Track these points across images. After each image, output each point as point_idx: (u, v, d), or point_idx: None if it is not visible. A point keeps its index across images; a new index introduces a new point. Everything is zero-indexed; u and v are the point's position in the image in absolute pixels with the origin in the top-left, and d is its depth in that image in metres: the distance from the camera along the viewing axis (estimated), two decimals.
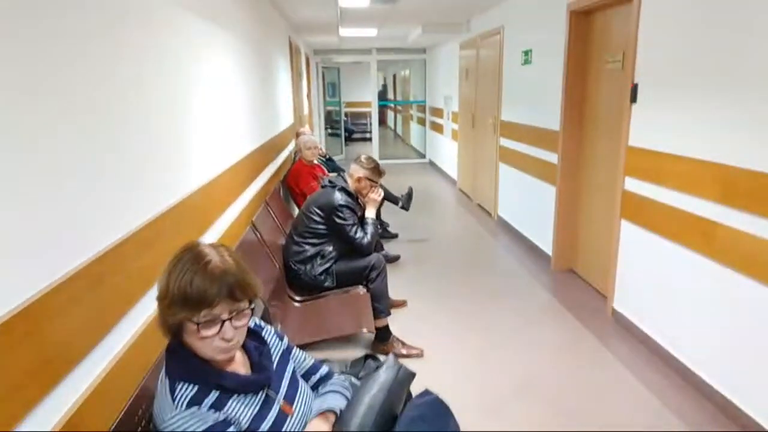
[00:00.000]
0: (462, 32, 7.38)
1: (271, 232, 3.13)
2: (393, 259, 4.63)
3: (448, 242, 5.29)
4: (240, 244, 2.52)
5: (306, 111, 8.23)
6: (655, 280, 2.96)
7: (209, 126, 2.46)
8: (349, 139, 14.53)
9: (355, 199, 3.14)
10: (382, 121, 20.69)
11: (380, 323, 3.06)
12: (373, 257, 3.02)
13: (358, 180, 3.11)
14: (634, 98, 3.07)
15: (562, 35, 4.02)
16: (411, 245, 5.18)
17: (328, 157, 5.63)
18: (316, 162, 4.61)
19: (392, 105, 18.84)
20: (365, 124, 15.56)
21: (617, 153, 3.30)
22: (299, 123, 6.72)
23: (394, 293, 3.85)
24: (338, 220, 2.96)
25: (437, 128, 9.78)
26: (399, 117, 16.66)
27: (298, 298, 2.95)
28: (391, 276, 4.40)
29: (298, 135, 5.44)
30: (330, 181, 3.09)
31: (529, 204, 5.07)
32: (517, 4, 5.14)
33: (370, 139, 11.66)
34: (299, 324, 2.70)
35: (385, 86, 19.63)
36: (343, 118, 11.70)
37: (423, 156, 11.13)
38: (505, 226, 5.66)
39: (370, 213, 3.13)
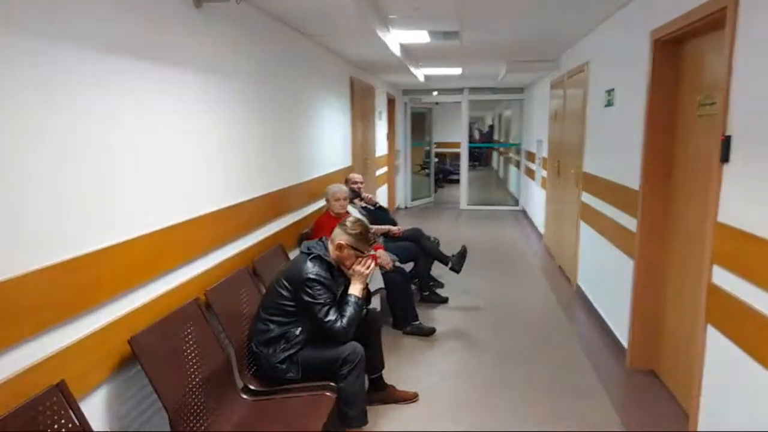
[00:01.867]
0: (552, 69, 6.56)
1: (241, 304, 2.63)
2: (427, 332, 3.91)
3: (507, 315, 4.42)
4: (166, 318, 2.05)
5: (380, 152, 7.83)
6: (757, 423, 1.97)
7: (138, 177, 2.05)
8: (444, 180, 13.92)
9: (336, 271, 2.54)
10: (487, 163, 19.86)
11: None
12: (347, 348, 2.38)
13: (339, 247, 2.52)
14: (725, 156, 2.16)
15: (644, 71, 3.15)
16: (458, 314, 4.40)
17: (377, 206, 5.08)
18: (345, 211, 4.08)
19: (495, 147, 17.95)
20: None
21: (703, 230, 2.37)
22: (362, 167, 6.30)
23: (407, 379, 3.16)
24: (305, 297, 2.38)
25: (531, 174, 8.85)
26: (502, 159, 15.75)
27: (253, 388, 2.40)
28: (416, 354, 3.73)
29: (347, 181, 4.98)
30: (308, 247, 2.53)
31: (606, 277, 4.09)
32: (603, 33, 4.29)
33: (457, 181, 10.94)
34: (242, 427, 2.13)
35: (491, 127, 18.86)
36: (434, 159, 11.14)
37: (518, 203, 10.18)
38: (583, 299, 4.66)
39: (354, 290, 2.51)
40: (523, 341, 3.85)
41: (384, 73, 7.10)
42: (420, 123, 11.05)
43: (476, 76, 8.29)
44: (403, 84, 9.04)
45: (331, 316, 2.37)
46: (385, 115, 8.24)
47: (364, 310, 2.56)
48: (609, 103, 3.99)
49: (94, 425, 1.77)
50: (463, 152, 10.02)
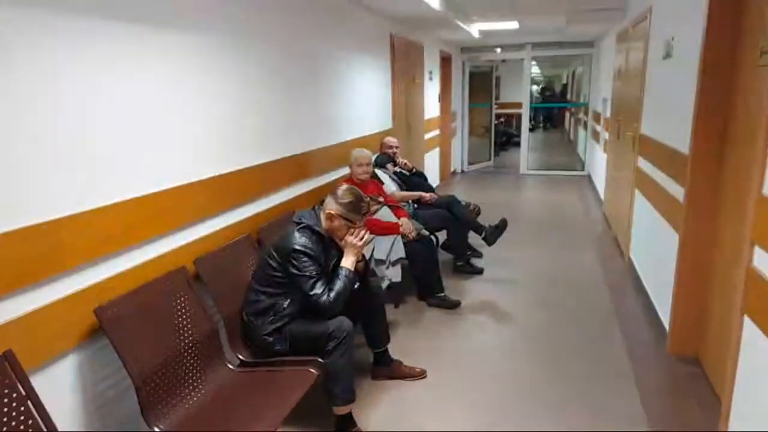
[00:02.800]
0: (620, 19, 5.90)
1: (239, 273, 2.56)
2: (452, 305, 3.72)
3: (545, 289, 4.13)
4: (142, 287, 2.02)
5: (431, 114, 7.51)
6: None
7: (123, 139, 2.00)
8: (509, 143, 13.29)
9: (327, 242, 2.40)
10: (556, 125, 18.75)
11: (339, 410, 2.30)
12: (332, 323, 2.25)
13: (329, 217, 2.36)
14: None
15: (703, 11, 2.68)
16: (491, 287, 4.16)
17: (414, 170, 4.85)
18: (371, 177, 3.90)
19: (562, 106, 16.83)
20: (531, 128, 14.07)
21: (745, 205, 1.99)
22: (405, 130, 6.06)
23: (419, 354, 3.02)
24: (291, 269, 2.26)
25: (596, 136, 8.19)
26: (573, 120, 14.76)
27: (242, 358, 2.35)
28: (435, 327, 3.49)
29: (382, 145, 4.79)
30: (299, 217, 2.40)
31: (654, 251, 3.68)
32: None
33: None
34: (232, 400, 2.10)
35: (565, 85, 17.70)
36: (494, 120, 10.58)
37: (584, 168, 9.51)
38: (634, 274, 4.25)
39: (346, 262, 2.36)
40: (557, 318, 3.56)
41: (433, 29, 6.72)
42: (483, 82, 10.50)
43: (538, 30, 7.68)
44: (459, 41, 8.56)
45: (317, 290, 2.25)
46: (437, 75, 7.86)
47: (356, 284, 2.41)
48: (667, 55, 3.49)
49: (60, 392, 1.80)
50: (525, 113, 9.46)
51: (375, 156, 4.63)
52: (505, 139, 13.09)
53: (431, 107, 7.56)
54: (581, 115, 11.23)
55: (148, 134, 2.15)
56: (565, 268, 4.56)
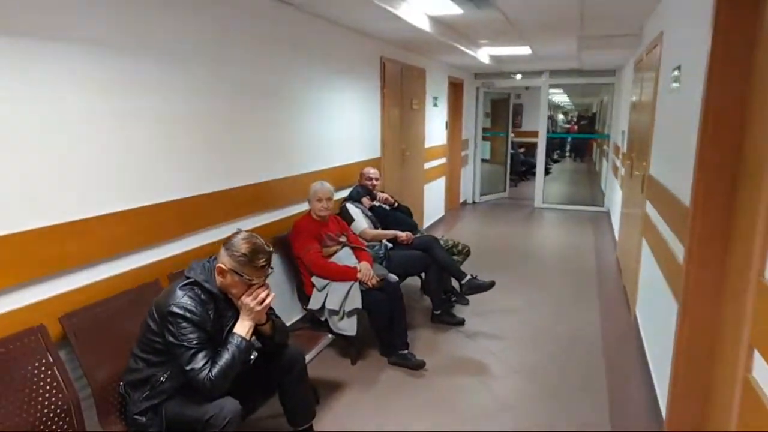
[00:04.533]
0: (634, 47, 5.39)
1: (128, 331, 2.13)
2: (414, 366, 3.21)
3: (531, 350, 3.57)
4: None
5: (435, 142, 7.07)
6: None
7: None
8: (528, 173, 12.68)
9: (222, 302, 1.96)
10: (583, 156, 17.99)
11: None
12: (213, 407, 1.80)
13: (221, 272, 1.92)
14: None
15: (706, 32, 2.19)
16: (468, 344, 3.63)
17: (396, 205, 4.39)
18: (330, 213, 3.45)
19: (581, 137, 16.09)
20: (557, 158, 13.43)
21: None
22: (398, 158, 5.63)
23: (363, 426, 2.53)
24: (167, 336, 1.83)
25: (615, 171, 7.58)
26: (599, 152, 14.06)
27: None
28: (390, 392, 2.95)
29: (361, 176, 4.36)
30: (190, 268, 1.97)
31: (655, 313, 3.12)
32: None
33: (548, 173, 9.76)
34: None
35: (594, 115, 17.02)
36: (509, 150, 10.05)
37: (604, 203, 8.87)
38: (636, 334, 3.67)
39: (239, 327, 1.91)
40: (537, 392, 3.01)
41: (434, 53, 6.32)
42: (501, 110, 10.03)
43: (554, 56, 7.20)
44: (470, 67, 8.14)
45: (195, 363, 1.80)
46: (444, 101, 7.44)
47: (252, 355, 1.95)
48: (675, 83, 2.98)
49: None
50: (541, 143, 8.91)
51: (352, 188, 4.23)
52: (525, 168, 12.49)
53: (435, 135, 7.12)
54: (605, 147, 10.61)
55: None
56: (560, 324, 3.99)
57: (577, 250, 6.25)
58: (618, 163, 7.07)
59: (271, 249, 1.97)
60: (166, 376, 1.88)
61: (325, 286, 3.19)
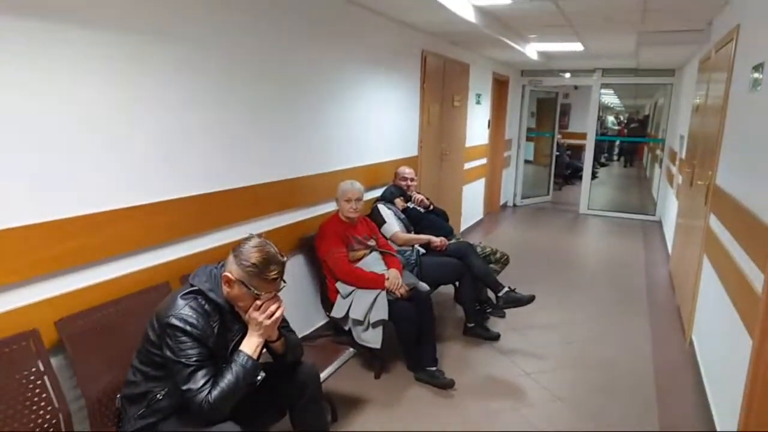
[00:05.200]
0: (701, 44, 4.94)
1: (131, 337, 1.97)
2: (442, 385, 2.96)
3: (572, 374, 3.26)
4: None
5: (476, 142, 6.75)
6: None
7: None
8: (573, 176, 12.14)
9: (228, 315, 1.76)
10: (633, 160, 17.18)
11: None
12: None
13: (227, 281, 1.72)
14: None
15: None
16: (503, 362, 3.34)
17: (431, 207, 4.12)
18: (360, 215, 3.22)
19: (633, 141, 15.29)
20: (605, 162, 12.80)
21: None
22: (436, 158, 5.36)
23: None
24: (165, 350, 1.64)
25: (670, 178, 7.07)
26: (650, 156, 13.34)
27: None
28: (412, 414, 2.66)
29: (395, 175, 4.12)
30: (195, 275, 1.78)
31: (720, 343, 2.76)
32: None
33: (594, 177, 9.25)
34: None
35: (647, 117, 16.21)
36: (555, 152, 9.59)
37: (656, 212, 8.32)
38: (693, 361, 3.30)
39: (246, 345, 1.71)
40: (577, 421, 2.71)
41: (479, 47, 6.00)
42: (548, 109, 9.59)
43: (608, 53, 6.76)
44: (517, 63, 7.77)
45: (194, 383, 1.61)
46: (487, 98, 7.11)
47: (259, 376, 1.74)
48: (755, 85, 2.61)
49: None
50: (589, 145, 8.45)
51: (385, 188, 4.00)
52: (570, 172, 11.95)
53: (477, 134, 6.80)
54: (658, 152, 10.01)
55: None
56: (606, 346, 3.64)
57: (624, 261, 5.83)
58: (674, 169, 6.58)
59: (285, 259, 1.75)
60: (163, 393, 1.70)
61: (350, 293, 2.97)
